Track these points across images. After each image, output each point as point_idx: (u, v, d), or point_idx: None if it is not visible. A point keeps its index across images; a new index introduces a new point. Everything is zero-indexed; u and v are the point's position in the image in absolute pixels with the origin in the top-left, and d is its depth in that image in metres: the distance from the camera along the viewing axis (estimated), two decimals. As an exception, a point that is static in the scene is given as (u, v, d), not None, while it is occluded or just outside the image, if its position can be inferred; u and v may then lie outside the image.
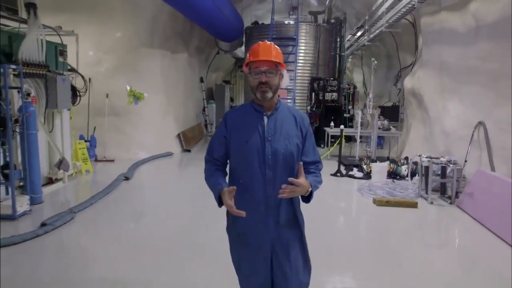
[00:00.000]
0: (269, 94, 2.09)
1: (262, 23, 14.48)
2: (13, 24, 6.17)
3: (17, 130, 5.38)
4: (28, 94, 5.55)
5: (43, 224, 4.85)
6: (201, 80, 15.01)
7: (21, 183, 5.67)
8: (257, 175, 2.09)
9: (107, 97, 9.37)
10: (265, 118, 2.14)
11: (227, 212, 2.18)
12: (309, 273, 2.28)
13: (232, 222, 2.22)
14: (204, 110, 15.47)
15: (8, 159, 5.22)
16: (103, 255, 4.35)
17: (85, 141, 8.60)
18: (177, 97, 11.63)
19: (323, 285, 3.58)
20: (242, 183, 2.12)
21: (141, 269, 3.96)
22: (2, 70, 4.91)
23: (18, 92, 5.45)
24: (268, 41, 2.19)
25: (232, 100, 20.89)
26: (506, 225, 4.90)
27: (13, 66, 5.15)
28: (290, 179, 2.00)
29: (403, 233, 5.37)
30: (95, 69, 9.30)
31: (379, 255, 4.51)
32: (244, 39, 14.45)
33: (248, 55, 2.17)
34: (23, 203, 5.28)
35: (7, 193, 5.44)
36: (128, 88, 9.82)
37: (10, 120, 5.03)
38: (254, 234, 2.13)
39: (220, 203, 2.11)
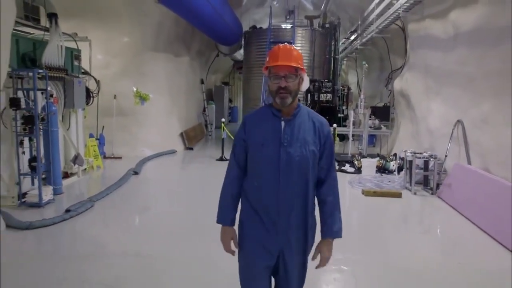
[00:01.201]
0: (289, 100, 2.05)
1: (260, 27, 15.11)
2: (33, 31, 6.81)
3: (41, 127, 5.97)
4: (51, 95, 6.15)
5: (67, 210, 5.47)
6: (202, 81, 15.63)
7: (43, 176, 6.27)
8: (270, 179, 2.08)
9: (115, 98, 9.98)
10: (282, 123, 2.10)
11: (240, 214, 2.24)
12: (304, 277, 2.30)
13: (240, 224, 2.24)
14: (204, 110, 16.09)
15: (35, 153, 5.85)
16: (122, 235, 4.99)
17: (95, 139, 9.21)
18: (180, 98, 12.26)
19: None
20: (256, 186, 2.13)
21: (156, 245, 4.60)
22: (31, 74, 5.54)
23: (42, 93, 6.06)
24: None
25: (230, 101, 21.53)
26: (480, 212, 5.54)
27: (40, 70, 5.76)
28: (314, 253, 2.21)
29: (388, 220, 6.02)
30: (104, 72, 9.89)
31: (366, 238, 5.14)
32: (243, 42, 15.08)
33: (267, 58, 2.14)
34: (47, 193, 5.90)
35: (32, 183, 6.06)
36: (135, 89, 10.44)
37: (37, 118, 5.65)
38: (265, 237, 2.12)
39: (218, 222, 2.25)
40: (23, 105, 5.54)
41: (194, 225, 5.26)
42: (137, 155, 9.93)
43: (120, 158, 9.87)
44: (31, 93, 5.67)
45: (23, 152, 5.81)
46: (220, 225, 2.27)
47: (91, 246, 4.57)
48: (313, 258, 2.24)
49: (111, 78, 10.01)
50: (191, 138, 12.37)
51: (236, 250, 2.26)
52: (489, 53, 5.92)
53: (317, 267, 2.23)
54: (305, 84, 2.16)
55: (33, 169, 5.80)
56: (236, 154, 2.23)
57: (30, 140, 5.88)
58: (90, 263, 4.07)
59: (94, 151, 8.69)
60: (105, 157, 9.73)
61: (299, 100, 2.17)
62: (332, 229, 2.18)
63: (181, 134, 11.88)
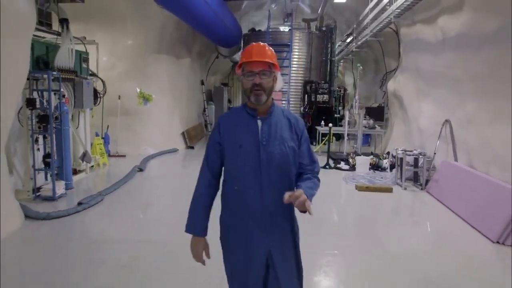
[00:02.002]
0: (263, 97, 2.03)
1: (259, 30, 15.54)
2: (45, 35, 7.19)
3: (54, 126, 6.36)
4: (63, 96, 6.55)
5: (79, 203, 5.86)
6: (202, 82, 16.04)
7: (56, 171, 6.66)
8: (252, 180, 2.03)
9: (119, 98, 10.35)
10: (259, 122, 2.08)
11: (220, 221, 2.20)
12: (301, 280, 2.24)
13: (226, 231, 2.18)
14: (204, 110, 16.49)
15: (49, 150, 6.25)
16: (131, 224, 5.41)
17: (101, 138, 9.60)
18: (181, 98, 12.67)
19: (312, 249, 4.52)
20: (237, 190, 2.08)
21: (164, 232, 5.01)
22: (46, 75, 5.94)
23: (55, 94, 6.45)
24: (261, 43, 2.18)
25: (230, 101, 21.91)
26: (464, 206, 5.95)
27: (54, 73, 6.16)
28: (285, 196, 1.90)
29: (379, 212, 6.44)
30: (109, 73, 10.26)
31: (358, 228, 5.57)
32: (242, 44, 15.49)
33: (241, 56, 2.12)
34: (60, 187, 6.30)
35: (46, 179, 6.46)
36: (138, 90, 10.84)
37: (52, 117, 6.04)
38: (249, 242, 2.07)
39: (188, 231, 2.17)
40: (38, 105, 5.94)
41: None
42: (141, 153, 10.33)
43: (124, 156, 10.25)
44: (45, 93, 6.07)
45: (38, 149, 6.20)
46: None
47: (105, 234, 4.99)
48: (286, 200, 1.91)
49: (115, 79, 10.38)
50: (192, 137, 12.77)
51: (207, 259, 2.20)
52: (473, 57, 6.34)
53: (299, 207, 1.90)
54: (279, 84, 2.16)
55: (47, 165, 6.20)
56: (210, 159, 2.16)
57: (44, 137, 6.28)
58: (106, 248, 4.49)
59: (100, 149, 9.08)
60: (110, 155, 10.11)
61: (272, 99, 2.15)
62: (301, 186, 2.02)
63: (183, 134, 12.29)
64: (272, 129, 2.08)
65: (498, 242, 4.78)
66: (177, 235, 4.95)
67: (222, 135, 2.11)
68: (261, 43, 2.13)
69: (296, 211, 2.06)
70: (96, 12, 9.82)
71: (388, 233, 5.38)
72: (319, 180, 2.18)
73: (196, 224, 2.16)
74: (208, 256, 2.20)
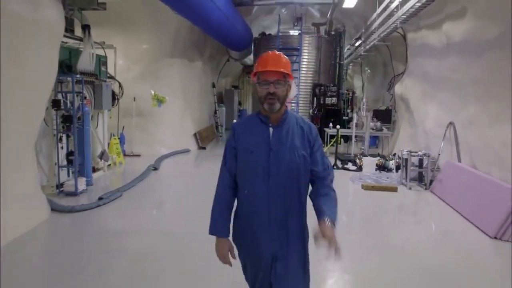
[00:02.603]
0: (277, 106, 2.08)
1: (269, 34, 15.88)
2: (67, 40, 7.61)
3: (77, 125, 6.76)
4: (85, 97, 6.95)
5: (100, 198, 6.24)
6: (213, 85, 16.42)
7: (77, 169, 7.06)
8: (260, 185, 2.09)
9: (134, 100, 10.76)
10: (271, 129, 2.14)
11: (233, 221, 2.27)
12: (307, 284, 2.27)
13: (236, 232, 2.26)
14: (215, 112, 16.85)
15: (71, 148, 6.65)
16: (148, 218, 5.79)
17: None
18: (193, 100, 13.06)
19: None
20: (247, 194, 2.16)
21: (179, 225, 5.37)
22: (70, 78, 6.35)
23: (77, 95, 6.85)
24: (276, 51, 2.22)
25: (240, 104, 22.28)
26: (465, 204, 6.21)
27: (78, 76, 6.56)
28: (314, 237, 1.94)
29: (383, 210, 6.72)
30: (124, 76, 10.67)
31: (362, 223, 5.86)
32: (253, 48, 15.84)
33: (256, 65, 2.16)
34: (81, 183, 6.69)
35: (68, 175, 6.86)
36: (152, 92, 11.23)
37: (75, 117, 6.44)
38: (257, 246, 2.14)
39: (212, 233, 2.25)
40: (62, 106, 6.35)
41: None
42: (154, 153, 10.70)
43: (139, 155, 10.66)
44: (69, 95, 6.48)
45: (62, 147, 6.61)
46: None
47: (124, 226, 5.36)
48: (316, 243, 1.96)
49: (131, 82, 10.79)
50: (204, 138, 13.15)
51: (234, 260, 2.28)
52: (475, 62, 6.60)
53: (330, 253, 1.93)
54: (293, 92, 2.39)
55: (70, 162, 6.60)
56: (227, 162, 2.24)
57: (68, 136, 6.69)
58: (126, 238, 4.86)
59: (117, 148, 9.48)
60: (125, 155, 10.50)
61: (286, 107, 2.20)
62: (327, 213, 2.05)
63: (195, 135, 12.67)
64: (283, 137, 2.12)
65: (495, 238, 5.04)
66: (191, 227, 5.33)
67: (236, 140, 2.20)
68: (276, 52, 2.17)
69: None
70: (113, 18, 10.23)
71: (391, 229, 5.67)
72: (334, 190, 2.21)
73: (219, 226, 2.23)
74: (233, 257, 2.25)
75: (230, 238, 2.26)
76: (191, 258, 4.28)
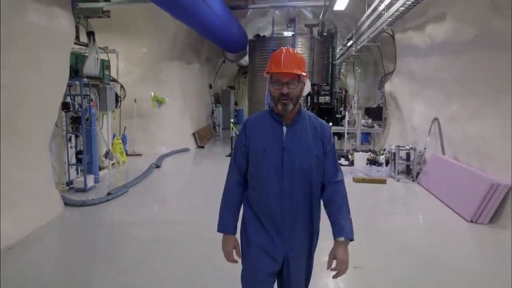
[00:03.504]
0: (290, 107, 2.03)
1: (264, 36, 16.34)
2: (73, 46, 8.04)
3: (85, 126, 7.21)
4: (91, 100, 7.40)
5: (108, 193, 6.69)
6: (210, 86, 16.88)
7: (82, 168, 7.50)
8: (274, 185, 2.06)
9: (135, 102, 11.19)
10: (284, 128, 2.09)
11: (242, 220, 2.24)
12: (309, 279, 2.30)
13: (245, 231, 2.20)
14: (212, 113, 17.33)
15: (80, 148, 7.10)
16: (155, 210, 6.28)
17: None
18: (191, 101, 13.52)
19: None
20: (259, 193, 2.11)
21: (183, 216, 5.83)
22: (78, 82, 6.79)
23: (84, 98, 7.29)
24: (290, 48, 2.13)
25: (236, 104, 22.75)
26: (446, 192, 6.72)
27: (85, 80, 7.01)
28: (329, 255, 2.06)
29: (373, 199, 7.21)
30: (125, 78, 11.09)
31: (354, 211, 6.33)
32: (248, 50, 16.30)
33: (269, 63, 2.08)
34: (90, 180, 7.14)
35: (77, 173, 7.30)
36: (152, 94, 11.66)
37: (83, 119, 6.89)
38: (268, 245, 2.10)
39: (220, 230, 2.24)
40: (71, 108, 6.79)
41: (213, 205, 6.49)
42: (155, 152, 11.14)
43: (140, 155, 11.10)
44: (76, 98, 6.93)
45: (71, 147, 7.05)
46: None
47: (132, 217, 5.83)
48: (328, 266, 2.07)
49: (131, 84, 11.21)
50: (202, 137, 13.61)
51: (239, 259, 2.25)
52: (455, 61, 7.09)
53: (335, 276, 2.07)
54: (307, 89, 2.19)
55: (79, 160, 7.05)
56: (237, 160, 2.21)
57: (76, 137, 7.13)
58: (137, 228, 5.32)
59: (120, 148, 9.92)
60: (127, 154, 10.94)
61: (300, 105, 2.15)
62: (344, 229, 2.09)
63: (194, 134, 13.13)
64: (297, 136, 2.09)
65: (472, 221, 5.54)
66: (195, 217, 5.79)
67: (248, 138, 2.15)
68: (291, 50, 2.09)
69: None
70: (115, 24, 10.66)
71: (378, 215, 6.18)
72: (345, 191, 2.24)
73: (226, 224, 2.22)
74: (238, 255, 2.24)
75: (238, 236, 2.26)
76: (198, 242, 4.75)
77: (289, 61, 2.01)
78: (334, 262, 2.04)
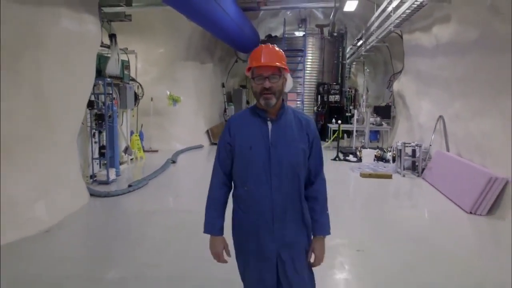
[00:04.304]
0: (273, 101, 2.03)
1: (275, 36, 16.76)
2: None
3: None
4: (114, 98, 7.89)
5: (129, 185, 7.17)
6: (223, 85, 17.33)
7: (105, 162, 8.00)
8: (262, 182, 2.05)
9: (151, 100, 11.69)
10: (269, 124, 2.09)
11: (232, 220, 2.24)
12: (313, 281, 2.26)
13: (237, 231, 2.21)
14: (225, 111, 17.77)
15: (103, 143, 7.60)
16: (173, 200, 6.75)
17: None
18: (205, 100, 14.00)
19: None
20: (247, 191, 2.10)
21: (199, 206, 6.24)
22: (102, 82, 7.28)
23: (107, 96, 7.78)
24: (270, 44, 2.14)
25: (248, 102, 23.14)
26: (448, 186, 7.05)
27: (108, 80, 7.50)
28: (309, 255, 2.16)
29: (379, 193, 7.56)
30: (143, 78, 11.58)
31: (359, 203, 6.72)
32: (259, 50, 16.71)
33: (249, 59, 2.08)
34: (112, 173, 7.63)
35: (100, 167, 7.80)
36: (168, 93, 12.17)
37: (107, 116, 7.38)
38: (260, 242, 2.09)
39: (206, 232, 2.22)
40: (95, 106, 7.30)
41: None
42: (171, 148, 11.62)
43: (156, 151, 11.60)
44: (100, 96, 7.43)
45: (95, 142, 7.55)
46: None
47: (154, 206, 6.30)
48: (308, 258, 2.19)
49: (148, 83, 11.70)
50: (215, 134, 14.07)
51: (229, 258, 2.23)
52: (459, 62, 7.40)
53: (313, 265, 2.22)
54: (289, 84, 2.13)
55: (102, 155, 7.55)
56: (221, 159, 2.19)
57: (99, 133, 7.63)
58: (157, 215, 5.79)
59: (138, 144, 10.42)
60: (144, 150, 11.43)
61: (283, 100, 2.15)
62: (325, 227, 2.18)
63: (207, 131, 13.61)
64: (282, 131, 2.08)
65: (471, 213, 5.88)
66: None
67: (232, 136, 2.13)
68: (270, 45, 2.11)
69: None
70: (134, 26, 11.12)
71: (383, 207, 6.55)
72: (324, 179, 2.24)
73: (213, 224, 2.20)
74: (228, 254, 2.24)
75: (230, 235, 2.28)
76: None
77: (269, 55, 2.04)
78: (313, 257, 2.19)
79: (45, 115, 5.06)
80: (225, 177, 2.22)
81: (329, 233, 2.19)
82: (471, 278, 3.93)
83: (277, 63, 2.03)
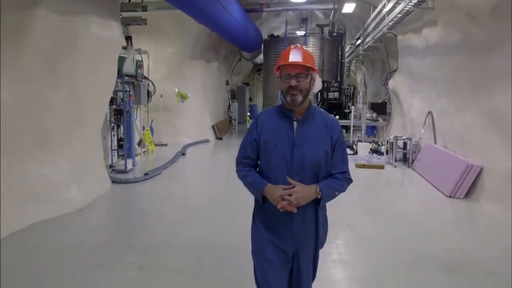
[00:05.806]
0: (299, 98, 2.05)
1: (278, 36, 17.48)
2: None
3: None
4: (130, 95, 8.66)
5: (145, 174, 7.95)
6: (227, 83, 18.11)
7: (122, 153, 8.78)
8: (284, 180, 2.05)
9: (161, 97, 12.44)
10: (295, 124, 2.11)
11: (253, 213, 2.30)
12: (315, 271, 2.34)
13: (258, 222, 2.25)
14: (229, 107, 18.57)
15: (121, 136, 8.38)
16: (185, 187, 7.50)
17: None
18: (211, 97, 14.78)
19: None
20: None
21: (210, 190, 7.05)
22: (120, 80, 8.06)
23: (124, 93, 8.55)
24: (299, 45, 2.16)
25: (251, 99, 23.95)
26: (433, 174, 7.80)
27: (126, 78, 8.27)
28: (288, 179, 2.04)
29: (372, 181, 8.33)
30: (153, 76, 12.33)
31: (355, 190, 7.46)
32: (262, 49, 17.47)
33: (279, 59, 2.13)
34: (129, 163, 8.41)
35: (118, 157, 8.59)
36: (177, 90, 12.94)
37: (125, 111, 8.16)
38: (279, 241, 2.15)
39: (263, 197, 2.12)
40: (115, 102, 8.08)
41: (230, 184, 7.74)
42: (179, 142, 12.40)
43: (166, 145, 12.38)
44: (119, 93, 8.21)
45: (114, 135, 8.33)
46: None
47: (168, 192, 7.09)
48: (290, 182, 2.07)
49: (158, 81, 12.45)
50: (220, 130, 14.86)
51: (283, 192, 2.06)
52: (445, 62, 8.14)
53: (283, 205, 2.02)
54: (317, 85, 2.17)
55: (120, 146, 8.33)
56: (247, 153, 2.23)
57: (118, 126, 8.41)
58: (172, 199, 6.58)
59: (149, 138, 11.20)
60: (154, 144, 12.23)
61: (310, 101, 2.16)
62: (328, 185, 2.13)
63: (213, 127, 14.39)
64: (307, 132, 2.11)
65: (450, 196, 6.65)
66: (220, 192, 6.99)
67: (258, 133, 2.17)
68: (299, 46, 2.15)
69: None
70: (145, 27, 11.91)
71: (375, 193, 7.31)
72: (348, 183, 2.24)
73: (260, 182, 2.14)
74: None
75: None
76: (222, 209, 5.96)
77: (296, 55, 2.10)
78: (296, 188, 2.03)
79: (78, 110, 5.84)
80: (251, 164, 2.26)
81: (324, 195, 2.09)
82: (452, 254, 4.36)
83: (304, 63, 2.08)
